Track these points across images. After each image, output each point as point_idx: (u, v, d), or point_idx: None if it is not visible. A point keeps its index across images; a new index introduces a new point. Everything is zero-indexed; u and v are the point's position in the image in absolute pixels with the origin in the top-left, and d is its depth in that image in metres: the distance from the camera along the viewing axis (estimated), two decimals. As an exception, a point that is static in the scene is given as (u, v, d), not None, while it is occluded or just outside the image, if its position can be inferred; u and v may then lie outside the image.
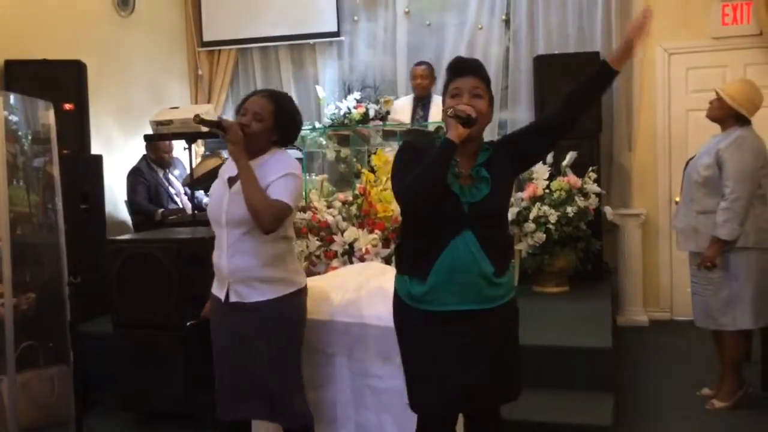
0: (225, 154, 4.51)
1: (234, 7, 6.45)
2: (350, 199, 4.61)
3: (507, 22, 5.90)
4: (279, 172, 2.49)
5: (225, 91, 6.54)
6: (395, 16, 6.21)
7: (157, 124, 4.65)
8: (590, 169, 4.86)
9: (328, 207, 4.60)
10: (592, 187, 4.80)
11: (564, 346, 3.66)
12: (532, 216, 4.68)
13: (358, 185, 4.64)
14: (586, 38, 5.64)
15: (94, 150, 4.94)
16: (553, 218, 4.62)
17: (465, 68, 2.26)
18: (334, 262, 4.24)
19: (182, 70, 6.57)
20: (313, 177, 5.12)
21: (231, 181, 2.56)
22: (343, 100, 6.02)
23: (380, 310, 2.73)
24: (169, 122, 4.58)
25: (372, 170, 4.50)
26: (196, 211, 4.46)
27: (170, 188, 5.24)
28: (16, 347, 3.24)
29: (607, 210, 5.00)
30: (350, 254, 4.25)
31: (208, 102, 6.41)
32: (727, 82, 4.24)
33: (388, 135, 5.07)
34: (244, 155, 2.47)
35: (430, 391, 2.23)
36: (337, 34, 6.27)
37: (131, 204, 5.18)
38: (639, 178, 5.60)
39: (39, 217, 3.71)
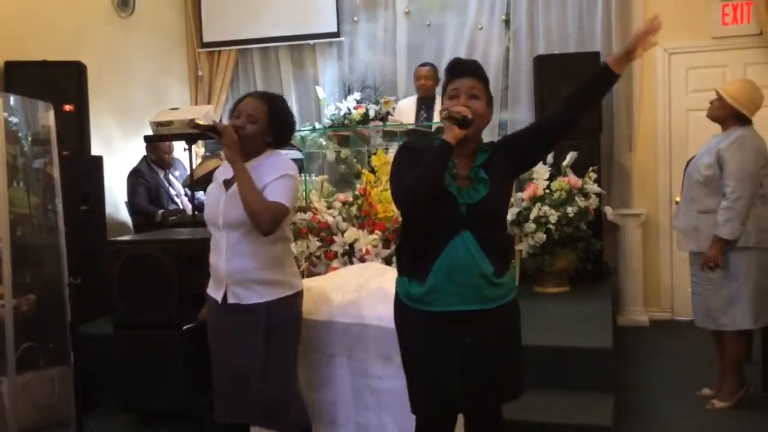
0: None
1: (234, 8, 6.45)
2: (350, 199, 4.61)
3: (507, 22, 5.90)
4: (275, 173, 2.49)
5: (225, 91, 6.53)
6: (395, 16, 6.21)
7: (157, 125, 4.65)
8: (590, 169, 4.86)
9: (329, 207, 4.60)
10: (593, 187, 4.79)
11: (564, 346, 3.66)
12: (532, 216, 4.68)
13: (358, 186, 4.64)
14: (586, 38, 5.64)
15: (94, 151, 4.94)
16: (553, 218, 4.62)
17: (462, 69, 2.26)
18: (335, 263, 4.24)
19: (182, 71, 6.57)
20: (313, 178, 5.12)
21: (227, 183, 2.56)
22: (343, 101, 6.02)
23: (380, 311, 2.73)
24: (169, 123, 4.58)
25: (372, 171, 4.50)
26: (196, 212, 4.46)
27: (170, 189, 5.24)
28: (17, 348, 3.24)
29: (608, 210, 5.00)
30: (350, 255, 4.25)
31: (208, 103, 6.41)
32: (727, 82, 4.24)
33: (388, 135, 5.06)
34: (240, 158, 2.47)
35: (430, 392, 2.22)
36: (337, 34, 6.27)
37: (131, 205, 5.18)
38: (639, 178, 5.59)
39: (39, 219, 3.71)
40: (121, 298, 3.63)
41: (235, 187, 2.49)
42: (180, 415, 3.62)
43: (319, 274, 4.05)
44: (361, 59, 6.31)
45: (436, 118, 5.21)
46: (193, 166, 4.51)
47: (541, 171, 4.79)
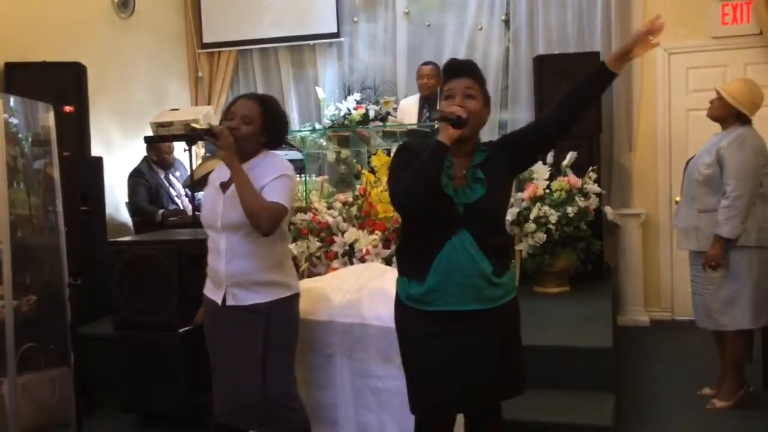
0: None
1: (234, 9, 6.45)
2: (350, 200, 4.61)
3: (507, 22, 5.91)
4: (273, 174, 2.50)
5: (225, 92, 6.53)
6: (395, 16, 6.21)
7: (158, 125, 4.65)
8: (590, 169, 4.85)
9: (329, 208, 4.60)
10: (593, 187, 4.79)
11: (565, 346, 3.65)
12: (532, 216, 4.67)
13: (358, 186, 4.64)
14: (585, 38, 5.64)
15: (95, 152, 4.95)
16: (553, 218, 4.62)
17: (458, 70, 2.26)
18: (335, 263, 4.24)
19: (182, 72, 6.57)
20: (313, 178, 5.12)
21: (224, 186, 2.57)
22: (343, 101, 6.03)
23: (380, 311, 2.73)
24: (170, 124, 4.59)
25: (372, 171, 4.50)
26: (196, 213, 4.46)
27: (171, 189, 5.24)
28: (17, 349, 3.25)
29: (608, 210, 5.00)
30: (350, 255, 4.25)
31: (208, 104, 6.41)
32: (727, 82, 4.24)
33: (388, 136, 5.06)
34: (237, 159, 2.48)
35: (429, 392, 2.23)
36: (336, 35, 6.27)
37: (132, 205, 5.18)
38: (639, 177, 5.59)
39: (39, 220, 3.72)
40: (122, 298, 3.62)
41: (232, 189, 2.50)
42: (180, 416, 3.63)
43: (319, 274, 4.04)
44: (360, 60, 6.31)
45: (439, 116, 5.20)
46: (193, 167, 4.51)
47: (541, 171, 4.79)
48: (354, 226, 4.39)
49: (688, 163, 3.86)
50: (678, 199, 4.01)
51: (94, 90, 4.92)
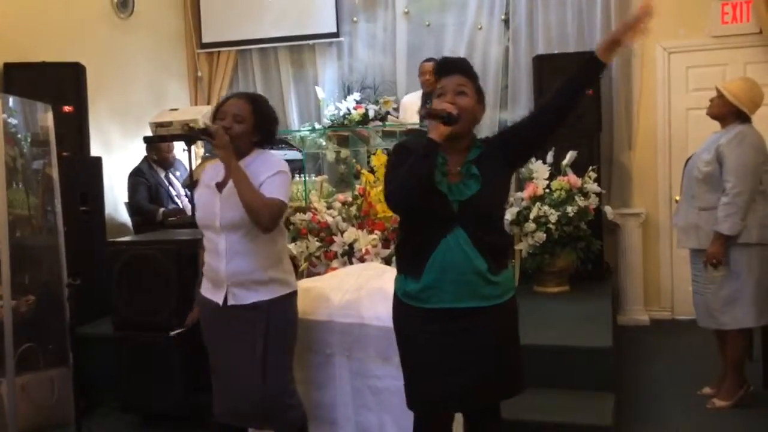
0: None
1: (233, 9, 6.45)
2: (350, 199, 4.61)
3: (506, 22, 5.90)
4: (269, 171, 2.52)
5: (224, 92, 6.51)
6: (395, 16, 6.21)
7: (157, 125, 4.65)
8: (590, 168, 4.85)
9: (328, 208, 4.60)
10: (593, 187, 4.79)
11: (565, 345, 3.65)
12: (532, 216, 4.67)
13: (357, 186, 4.64)
14: (585, 38, 5.63)
15: (94, 152, 4.95)
16: (553, 218, 4.61)
17: (449, 67, 2.25)
18: (334, 263, 4.24)
19: (182, 72, 6.57)
20: (313, 178, 5.12)
21: (220, 185, 2.57)
22: (343, 101, 6.03)
23: (380, 311, 2.73)
24: (169, 124, 4.59)
25: (371, 171, 4.50)
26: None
27: (171, 189, 5.24)
28: (16, 349, 3.25)
29: (608, 209, 4.99)
30: (350, 255, 4.25)
31: (208, 104, 6.40)
32: (727, 80, 4.24)
33: (387, 135, 5.06)
34: (234, 158, 2.49)
35: (427, 389, 2.23)
36: (336, 34, 6.27)
37: (132, 204, 5.18)
38: (639, 177, 5.59)
39: (38, 220, 3.72)
40: (121, 298, 3.62)
41: (229, 188, 2.50)
42: (180, 416, 3.63)
43: (318, 274, 4.04)
44: (360, 59, 6.31)
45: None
46: (193, 167, 4.51)
47: (540, 170, 4.78)
48: (353, 225, 4.39)
49: (687, 161, 3.86)
50: (678, 198, 4.00)
51: (94, 90, 4.92)
